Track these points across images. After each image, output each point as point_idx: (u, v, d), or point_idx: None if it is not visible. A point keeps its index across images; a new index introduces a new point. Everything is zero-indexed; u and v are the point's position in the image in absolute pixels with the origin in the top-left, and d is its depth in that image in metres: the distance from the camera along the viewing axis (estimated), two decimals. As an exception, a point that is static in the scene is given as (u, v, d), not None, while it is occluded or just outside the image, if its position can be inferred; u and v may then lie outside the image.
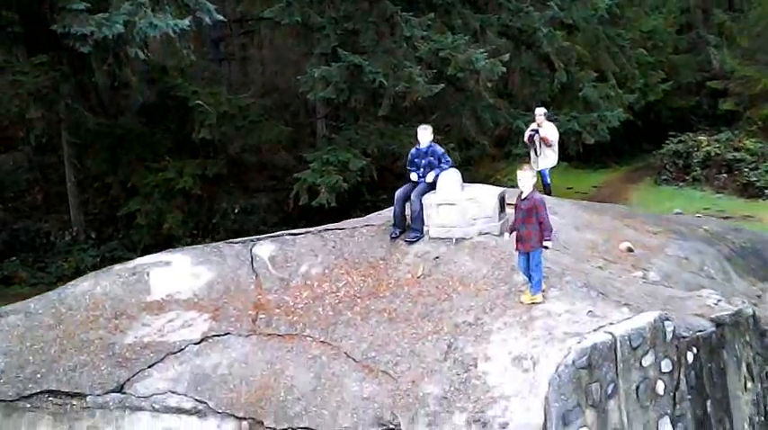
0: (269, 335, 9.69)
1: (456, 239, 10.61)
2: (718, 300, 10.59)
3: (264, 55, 27.37)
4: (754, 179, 23.33)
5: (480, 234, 10.61)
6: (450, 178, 10.90)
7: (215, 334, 9.71)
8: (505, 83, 23.54)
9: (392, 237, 10.94)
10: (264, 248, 11.04)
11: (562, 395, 8.08)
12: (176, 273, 10.66)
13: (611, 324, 8.78)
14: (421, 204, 10.85)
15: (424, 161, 11.16)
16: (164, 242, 18.41)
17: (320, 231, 11.34)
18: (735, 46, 26.74)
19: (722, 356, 9.95)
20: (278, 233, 11.52)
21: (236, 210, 20.71)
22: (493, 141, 22.22)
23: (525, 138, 15.78)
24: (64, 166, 20.23)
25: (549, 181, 15.30)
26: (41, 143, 22.04)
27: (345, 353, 9.28)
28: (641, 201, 22.99)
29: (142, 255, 13.65)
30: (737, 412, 10.11)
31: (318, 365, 9.17)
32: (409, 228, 10.94)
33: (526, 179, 9.41)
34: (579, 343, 8.43)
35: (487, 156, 23.02)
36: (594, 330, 8.66)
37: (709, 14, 27.98)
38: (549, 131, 15.49)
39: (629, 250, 12.39)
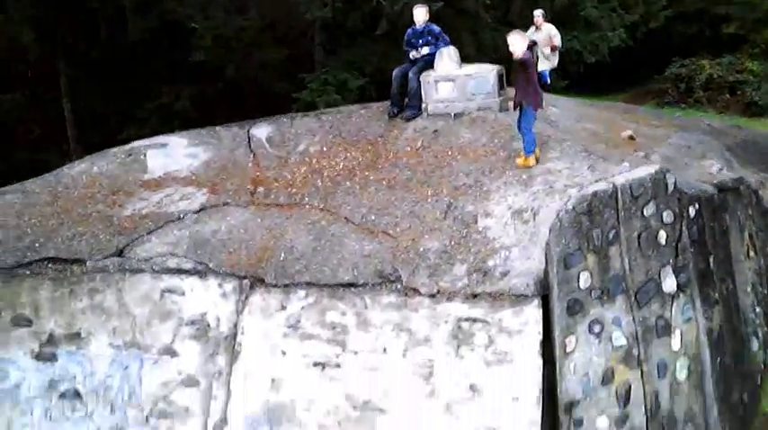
0: (267, 205, 9.63)
1: (454, 115, 10.49)
2: (721, 169, 10.51)
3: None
4: (757, 99, 23.04)
5: (479, 109, 10.50)
6: (448, 54, 10.76)
7: (213, 205, 9.65)
8: (506, 10, 23.25)
9: (390, 116, 10.82)
10: (262, 130, 10.96)
11: (563, 239, 8.01)
12: (173, 153, 10.60)
13: (612, 176, 8.70)
14: (419, 81, 10.72)
15: (421, 41, 11.02)
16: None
17: (317, 114, 11.24)
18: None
19: (725, 219, 9.88)
20: (274, 116, 11.42)
21: (235, 135, 20.51)
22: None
23: None
24: (62, 100, 20.09)
25: (549, 81, 15.14)
26: (39, 80, 21.89)
27: (345, 217, 9.23)
28: (644, 122, 22.78)
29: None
30: (740, 275, 10.06)
31: (318, 229, 9.11)
32: (407, 106, 10.84)
33: (516, 42, 9.25)
34: (580, 191, 8.35)
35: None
36: (596, 181, 8.59)
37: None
38: (552, 33, 15.36)
39: (632, 138, 12.25)
